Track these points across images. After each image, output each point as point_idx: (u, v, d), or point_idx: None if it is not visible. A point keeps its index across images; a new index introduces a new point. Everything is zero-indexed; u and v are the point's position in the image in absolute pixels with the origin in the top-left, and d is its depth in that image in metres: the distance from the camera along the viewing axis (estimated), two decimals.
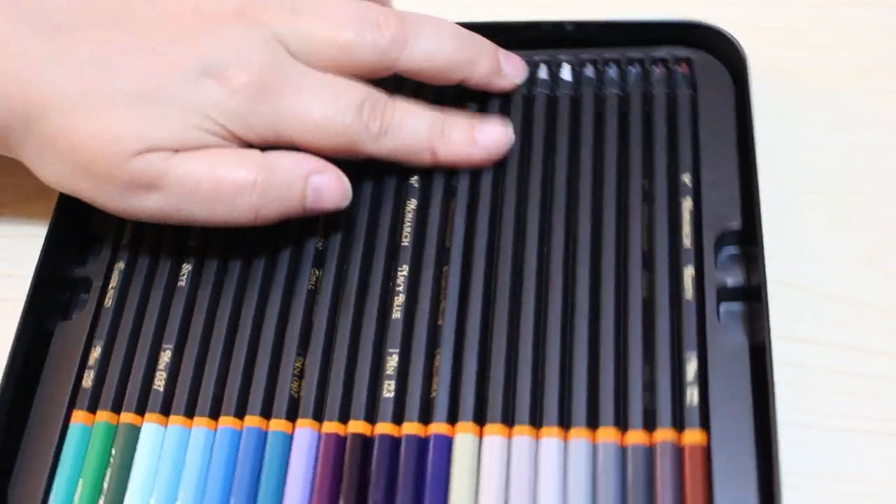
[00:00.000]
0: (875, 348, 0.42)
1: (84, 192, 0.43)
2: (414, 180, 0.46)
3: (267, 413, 0.42)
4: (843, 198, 0.46)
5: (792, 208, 0.45)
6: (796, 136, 0.48)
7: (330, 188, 0.43)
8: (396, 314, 0.43)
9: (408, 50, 0.44)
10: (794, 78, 0.50)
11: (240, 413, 0.42)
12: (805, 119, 0.48)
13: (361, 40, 0.44)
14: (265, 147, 0.43)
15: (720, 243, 0.43)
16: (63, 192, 0.45)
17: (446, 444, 0.40)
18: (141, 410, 0.42)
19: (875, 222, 0.45)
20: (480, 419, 0.40)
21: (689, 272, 0.42)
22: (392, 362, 0.42)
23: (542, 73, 0.49)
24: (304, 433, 0.41)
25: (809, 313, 0.43)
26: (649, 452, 0.39)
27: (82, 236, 0.48)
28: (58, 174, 0.43)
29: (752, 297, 0.41)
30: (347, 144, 0.43)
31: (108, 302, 0.45)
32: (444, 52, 0.45)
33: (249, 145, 0.43)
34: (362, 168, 0.46)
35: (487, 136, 0.46)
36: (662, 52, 0.49)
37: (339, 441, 0.41)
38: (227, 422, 0.42)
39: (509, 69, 0.47)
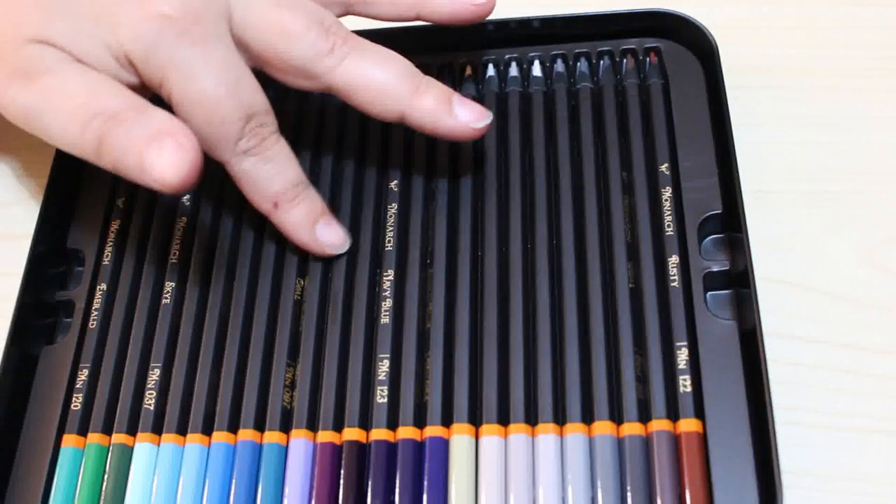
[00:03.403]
0: (874, 347, 0.42)
1: None
2: (394, 185, 0.46)
3: (260, 426, 0.42)
4: (843, 196, 0.46)
5: (790, 206, 0.46)
6: (793, 136, 0.48)
7: (168, 155, 0.39)
8: (385, 319, 0.43)
9: (346, 62, 0.43)
10: (791, 76, 0.50)
11: (233, 427, 0.42)
12: (799, 116, 0.49)
13: (304, 34, 0.42)
14: (144, 94, 0.42)
15: (703, 230, 0.43)
16: None
17: (443, 446, 0.40)
18: (132, 430, 0.42)
19: (875, 221, 0.45)
20: (475, 420, 0.40)
21: (673, 261, 0.42)
22: (383, 367, 0.42)
23: (513, 70, 0.49)
24: (299, 444, 0.41)
25: (808, 311, 0.43)
26: (646, 443, 0.39)
27: (62, 253, 0.47)
28: None
29: (740, 283, 0.42)
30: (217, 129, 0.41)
31: (93, 324, 0.45)
32: (384, 75, 0.43)
33: (133, 86, 0.42)
34: (340, 175, 0.47)
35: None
36: (631, 43, 0.49)
37: (335, 449, 0.41)
38: (220, 437, 0.41)
39: (463, 112, 0.43)
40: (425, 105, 0.43)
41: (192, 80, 0.41)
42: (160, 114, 0.40)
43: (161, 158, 0.38)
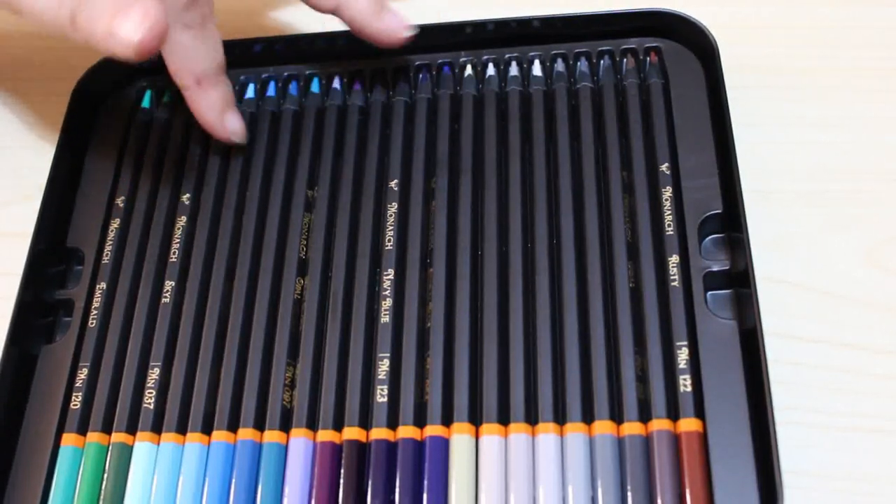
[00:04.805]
0: (874, 347, 0.42)
1: None
2: (394, 184, 0.46)
3: (260, 425, 0.41)
4: (843, 196, 0.46)
5: (790, 206, 0.46)
6: (793, 136, 0.48)
7: (134, 19, 0.40)
8: (385, 318, 0.43)
9: None
10: (791, 76, 0.50)
11: (233, 426, 0.42)
12: (799, 116, 0.49)
13: None
14: None
15: (704, 230, 0.43)
16: None
17: (443, 445, 0.40)
18: (132, 429, 0.42)
19: (875, 221, 0.45)
20: (475, 419, 0.40)
21: (673, 260, 0.42)
22: (383, 367, 0.42)
23: (514, 70, 0.49)
24: (299, 443, 0.41)
25: (808, 311, 0.43)
26: (646, 442, 0.39)
27: (61, 251, 0.47)
28: None
29: (740, 283, 0.42)
30: None
31: (92, 323, 0.45)
32: None
33: None
34: (340, 175, 0.47)
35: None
36: (631, 43, 0.49)
37: (335, 449, 0.41)
38: (220, 436, 0.41)
39: (391, 18, 0.47)
40: (360, 3, 0.46)
41: None
42: None
43: (127, 24, 0.40)
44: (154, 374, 0.43)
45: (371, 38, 0.47)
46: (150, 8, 0.40)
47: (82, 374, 0.43)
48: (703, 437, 0.39)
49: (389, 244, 0.45)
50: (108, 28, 0.40)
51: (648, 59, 0.48)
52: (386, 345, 0.42)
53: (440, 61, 0.50)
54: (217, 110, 0.47)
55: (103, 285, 0.45)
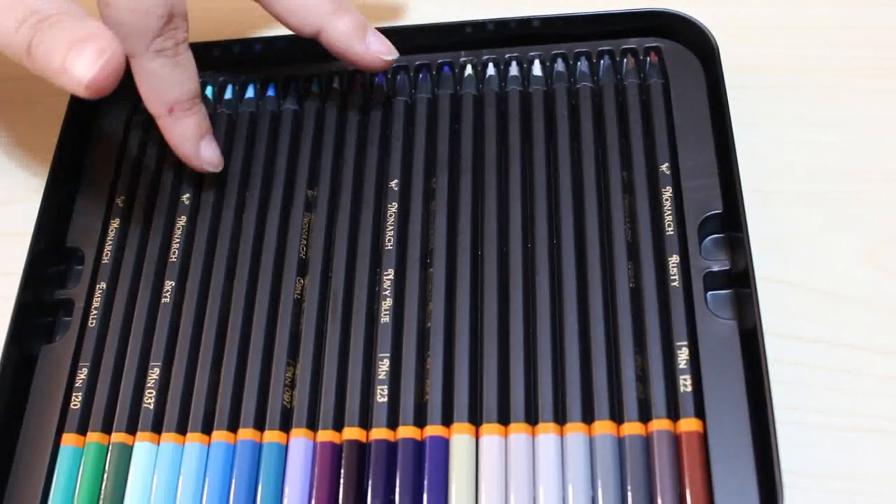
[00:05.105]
0: (874, 346, 0.42)
1: None
2: (394, 184, 0.46)
3: (260, 425, 0.41)
4: (843, 196, 0.46)
5: (790, 206, 0.46)
6: (793, 136, 0.48)
7: (88, 56, 0.39)
8: (385, 318, 0.43)
9: None
10: (791, 76, 0.50)
11: (233, 426, 0.42)
12: (799, 116, 0.49)
13: None
14: None
15: (704, 230, 0.43)
16: None
17: (443, 445, 0.40)
18: (132, 429, 0.42)
19: (875, 221, 0.45)
20: (476, 419, 0.40)
21: (674, 260, 0.42)
22: (383, 367, 0.42)
23: (514, 70, 0.49)
24: (299, 443, 0.41)
25: (808, 311, 0.43)
26: (646, 442, 0.39)
27: (61, 251, 0.47)
28: None
29: (740, 283, 0.42)
30: None
31: (92, 322, 0.45)
32: None
33: None
34: (339, 175, 0.47)
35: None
36: (631, 43, 0.49)
37: (335, 449, 0.41)
38: (220, 436, 0.41)
39: (375, 42, 0.46)
40: (342, 26, 0.45)
41: None
42: (91, 22, 0.40)
43: (80, 61, 0.39)
44: (154, 374, 0.43)
45: (354, 62, 0.46)
46: (105, 45, 0.39)
47: (82, 374, 0.43)
48: (703, 437, 0.39)
49: (389, 244, 0.45)
50: (61, 64, 0.39)
51: (648, 59, 0.48)
52: (386, 345, 0.42)
53: (440, 61, 0.50)
54: (191, 140, 0.45)
55: (103, 285, 0.45)
